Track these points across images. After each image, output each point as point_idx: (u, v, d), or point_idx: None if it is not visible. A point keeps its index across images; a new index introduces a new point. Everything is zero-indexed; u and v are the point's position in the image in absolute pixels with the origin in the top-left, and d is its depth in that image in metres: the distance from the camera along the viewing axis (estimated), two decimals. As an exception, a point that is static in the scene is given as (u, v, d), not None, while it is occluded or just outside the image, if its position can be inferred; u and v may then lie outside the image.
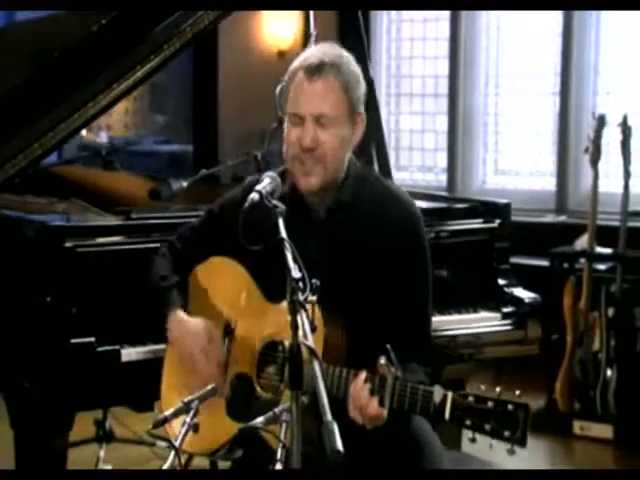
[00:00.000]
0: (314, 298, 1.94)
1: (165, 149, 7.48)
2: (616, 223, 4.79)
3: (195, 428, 2.13)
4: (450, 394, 2.04)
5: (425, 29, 6.48)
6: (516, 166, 6.26)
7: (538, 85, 6.08)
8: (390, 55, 6.63)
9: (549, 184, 6.02)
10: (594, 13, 5.80)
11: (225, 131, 6.94)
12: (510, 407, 1.98)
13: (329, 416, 1.71)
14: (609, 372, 4.62)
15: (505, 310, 3.11)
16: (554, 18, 5.89)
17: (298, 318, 1.87)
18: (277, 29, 6.66)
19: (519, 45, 6.14)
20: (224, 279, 2.48)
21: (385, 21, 6.63)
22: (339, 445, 1.66)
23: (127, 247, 2.75)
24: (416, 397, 2.07)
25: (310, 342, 1.82)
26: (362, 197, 2.39)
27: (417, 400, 2.07)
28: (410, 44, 6.53)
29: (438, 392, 2.06)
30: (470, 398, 2.03)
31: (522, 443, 1.97)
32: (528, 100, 6.13)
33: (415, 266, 2.38)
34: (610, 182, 5.37)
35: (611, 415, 4.59)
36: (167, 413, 2.11)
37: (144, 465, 4.20)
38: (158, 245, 2.64)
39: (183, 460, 2.19)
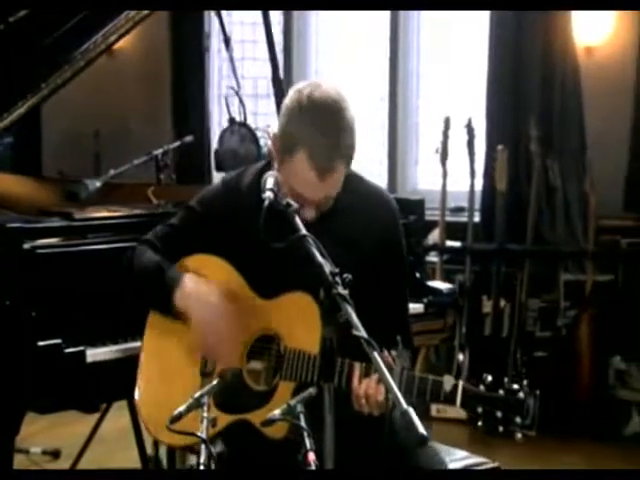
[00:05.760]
0: (347, 292, 1.96)
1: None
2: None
3: (214, 422, 2.17)
4: (461, 383, 2.15)
5: (255, 31, 6.55)
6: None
7: (368, 88, 6.28)
8: (221, 57, 6.67)
9: (379, 184, 6.23)
10: (416, 17, 6.00)
11: (49, 130, 6.75)
12: (521, 395, 2.10)
13: (404, 405, 1.74)
14: (461, 357, 4.95)
15: (426, 301, 3.26)
16: (383, 22, 6.06)
17: (347, 309, 1.90)
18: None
19: (350, 48, 6.32)
20: (212, 275, 2.46)
21: (216, 23, 6.66)
22: (423, 430, 1.69)
23: (87, 248, 2.70)
24: (425, 386, 2.19)
25: (363, 333, 1.87)
26: (345, 195, 2.47)
27: (426, 389, 2.18)
28: (241, 46, 6.57)
29: (448, 381, 2.17)
30: (481, 386, 2.14)
31: (531, 429, 2.09)
32: (358, 102, 6.31)
33: (398, 258, 2.55)
34: (436, 181, 5.70)
35: (464, 397, 4.91)
36: (181, 409, 2.09)
37: (22, 473, 4.08)
38: (119, 245, 2.62)
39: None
